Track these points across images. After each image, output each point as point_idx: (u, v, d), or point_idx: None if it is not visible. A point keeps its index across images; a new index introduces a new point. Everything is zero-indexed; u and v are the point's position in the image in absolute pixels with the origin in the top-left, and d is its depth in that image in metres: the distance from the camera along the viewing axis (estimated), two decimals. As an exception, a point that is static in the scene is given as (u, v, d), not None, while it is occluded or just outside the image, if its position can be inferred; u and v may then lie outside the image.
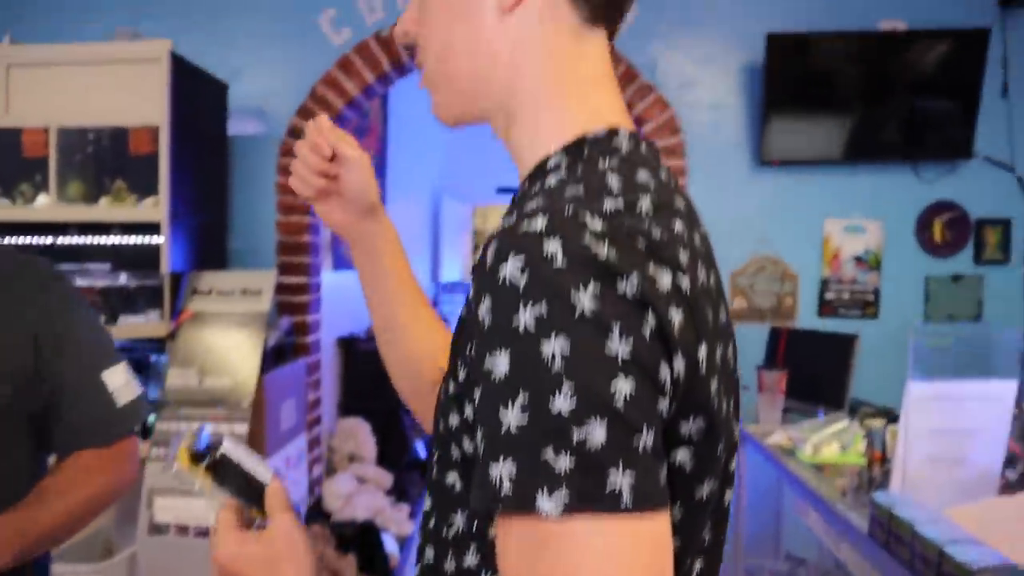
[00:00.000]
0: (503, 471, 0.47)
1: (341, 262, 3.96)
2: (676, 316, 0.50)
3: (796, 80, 3.09)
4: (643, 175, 0.58)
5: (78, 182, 2.68)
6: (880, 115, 3.09)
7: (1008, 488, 1.55)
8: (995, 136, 3.12)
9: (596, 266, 0.48)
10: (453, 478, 0.60)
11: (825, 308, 3.24)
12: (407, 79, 3.43)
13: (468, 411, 0.56)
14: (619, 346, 0.47)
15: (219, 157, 3.11)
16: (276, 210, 3.25)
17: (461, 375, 0.57)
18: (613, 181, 0.56)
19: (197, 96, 2.85)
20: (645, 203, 0.54)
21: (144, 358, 2.83)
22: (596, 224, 0.50)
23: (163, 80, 2.54)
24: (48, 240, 2.77)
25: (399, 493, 4.07)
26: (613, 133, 0.62)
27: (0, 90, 2.63)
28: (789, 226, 3.23)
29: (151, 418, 2.57)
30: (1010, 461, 1.60)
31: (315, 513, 3.43)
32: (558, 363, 0.46)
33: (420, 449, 4.48)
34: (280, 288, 3.24)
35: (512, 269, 0.49)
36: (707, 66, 3.21)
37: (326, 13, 3.20)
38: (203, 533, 2.44)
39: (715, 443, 0.55)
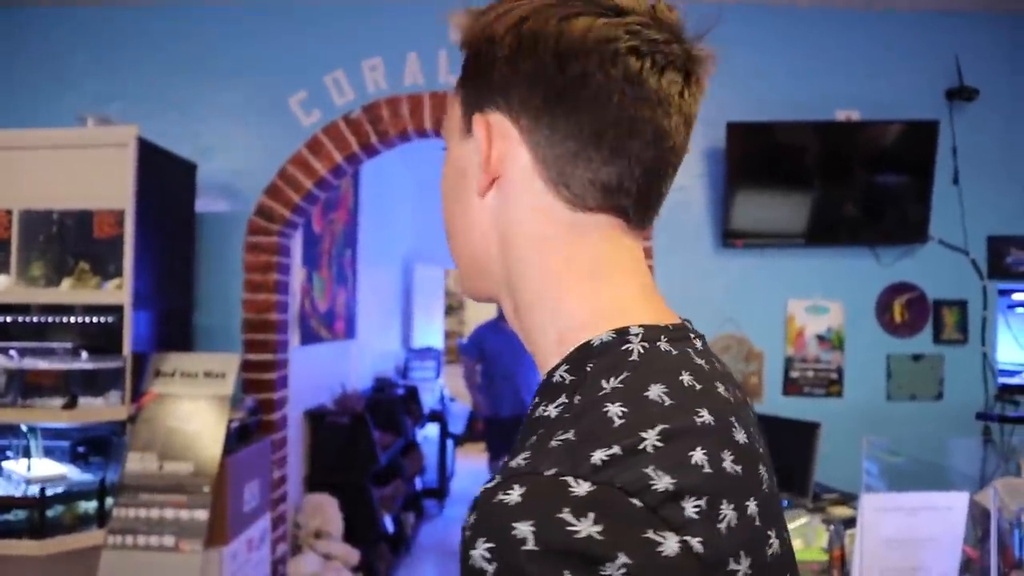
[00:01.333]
0: None
1: (309, 336, 3.93)
2: None
3: (757, 165, 3.18)
4: (656, 390, 0.51)
5: (40, 263, 2.66)
6: (839, 200, 3.19)
7: (965, 596, 1.56)
8: (949, 221, 3.22)
9: (573, 550, 0.42)
10: None
11: (790, 387, 3.28)
12: (376, 158, 3.48)
13: None
14: None
15: (186, 236, 3.10)
16: (243, 288, 3.24)
17: None
18: (615, 412, 0.49)
19: (164, 178, 2.86)
20: (651, 438, 0.47)
21: (106, 438, 2.78)
22: (581, 489, 0.44)
23: (129, 165, 2.55)
24: (8, 319, 2.73)
25: (367, 570, 3.98)
26: (623, 336, 0.55)
27: (-36, 173, 2.62)
28: (753, 306, 3.28)
29: (108, 503, 2.51)
30: (966, 567, 1.61)
31: (277, 596, 3.33)
32: None
33: (388, 523, 4.39)
34: (246, 365, 3.21)
35: (481, 554, 0.44)
36: (671, 149, 3.29)
37: (297, 95, 3.25)
38: (158, 626, 2.36)
39: None
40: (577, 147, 0.56)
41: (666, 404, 0.50)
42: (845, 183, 3.18)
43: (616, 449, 0.46)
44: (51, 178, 2.63)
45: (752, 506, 0.49)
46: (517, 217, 0.59)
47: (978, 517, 1.70)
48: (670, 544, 0.43)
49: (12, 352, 2.56)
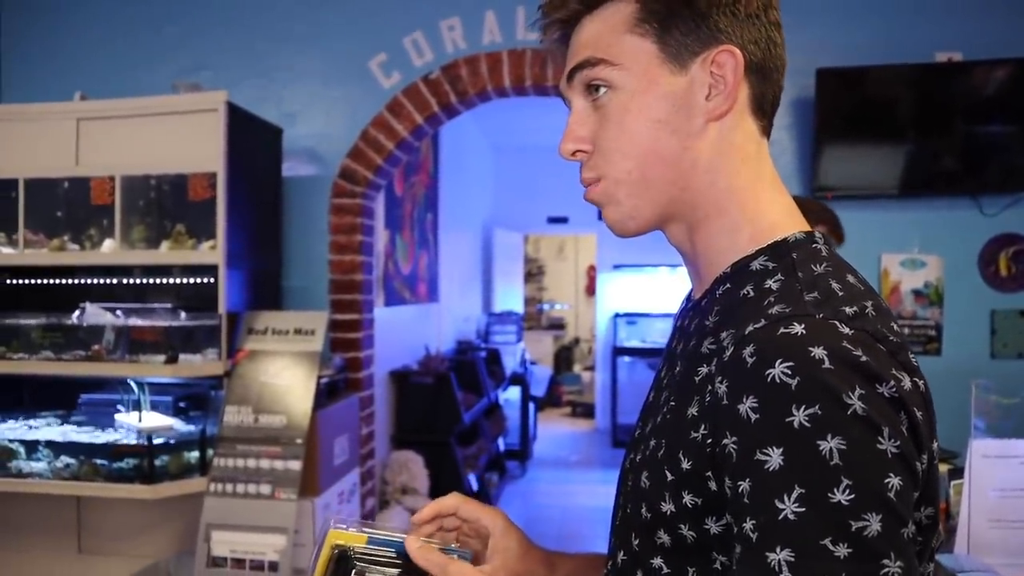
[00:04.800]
0: (781, 557, 0.52)
1: (393, 298, 4.01)
2: (920, 415, 0.56)
3: (848, 114, 3.03)
4: (851, 279, 0.64)
5: (141, 227, 2.78)
6: (937, 147, 3.01)
7: (1082, 550, 1.47)
8: (1062, 166, 3.00)
9: (860, 369, 0.54)
10: (659, 562, 0.65)
11: (885, 344, 3.15)
12: (455, 120, 3.48)
13: (688, 499, 0.60)
14: (889, 444, 0.53)
15: (274, 199, 3.19)
16: (329, 249, 3.32)
17: (685, 464, 0.60)
18: (836, 286, 0.61)
19: (252, 142, 2.94)
20: (869, 307, 0.60)
21: (204, 393, 2.91)
22: (846, 329, 0.56)
23: (219, 129, 2.63)
24: (113, 281, 2.89)
25: (451, 527, 4.08)
26: (811, 237, 0.68)
27: (71, 143, 2.76)
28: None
29: (209, 453, 2.63)
30: (1084, 521, 1.52)
31: (367, 548, 3.45)
32: (836, 459, 0.52)
33: (472, 482, 4.47)
34: (333, 325, 3.29)
35: (781, 372, 0.54)
36: (757, 99, 3.18)
37: (376, 58, 3.28)
38: (259, 566, 2.47)
39: (935, 529, 0.62)
40: (772, 71, 0.70)
41: (863, 288, 0.63)
42: (945, 130, 2.99)
43: (855, 308, 0.59)
44: (148, 144, 2.74)
45: None
46: (733, 138, 0.70)
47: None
48: (907, 381, 0.56)
49: (118, 312, 2.70)
